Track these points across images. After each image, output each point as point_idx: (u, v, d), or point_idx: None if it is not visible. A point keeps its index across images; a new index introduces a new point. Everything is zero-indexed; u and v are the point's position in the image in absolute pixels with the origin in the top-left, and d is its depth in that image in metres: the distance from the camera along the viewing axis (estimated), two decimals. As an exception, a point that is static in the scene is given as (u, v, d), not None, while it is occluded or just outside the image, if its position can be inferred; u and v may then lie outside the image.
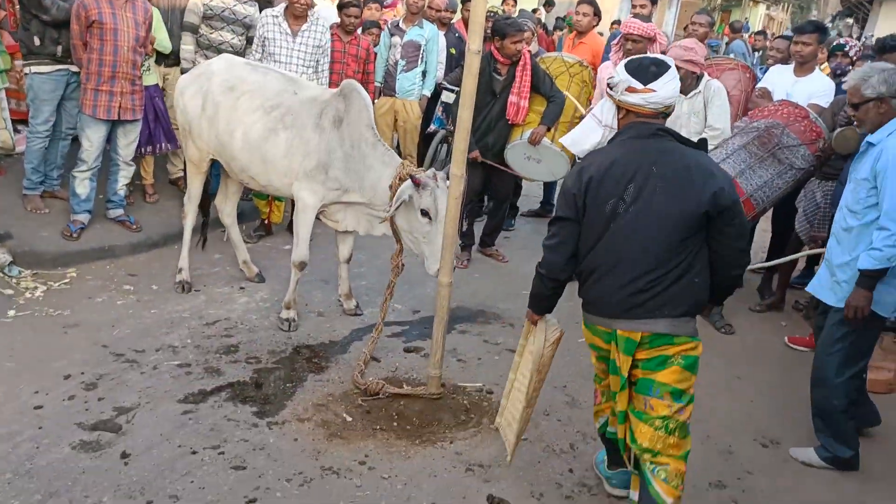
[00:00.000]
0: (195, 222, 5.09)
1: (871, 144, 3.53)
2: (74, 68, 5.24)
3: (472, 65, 3.52)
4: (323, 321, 4.83)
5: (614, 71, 2.94)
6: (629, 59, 2.92)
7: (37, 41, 5.12)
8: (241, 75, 4.66)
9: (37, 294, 4.74)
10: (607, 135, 3.26)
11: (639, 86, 2.79)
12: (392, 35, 6.68)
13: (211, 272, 5.34)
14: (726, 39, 11.83)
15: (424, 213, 4.14)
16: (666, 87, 2.80)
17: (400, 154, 7.08)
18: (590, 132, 4.34)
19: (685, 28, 7.65)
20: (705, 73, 5.03)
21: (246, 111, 4.53)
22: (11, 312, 4.48)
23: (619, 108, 2.89)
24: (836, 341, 3.64)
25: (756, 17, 37.30)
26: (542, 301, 3.08)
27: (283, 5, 5.71)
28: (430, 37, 6.70)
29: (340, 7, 6.29)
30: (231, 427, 3.61)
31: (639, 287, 2.77)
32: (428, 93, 6.84)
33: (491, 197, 6.32)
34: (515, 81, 5.61)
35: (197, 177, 4.94)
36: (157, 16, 5.56)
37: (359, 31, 6.43)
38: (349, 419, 3.77)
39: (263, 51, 5.67)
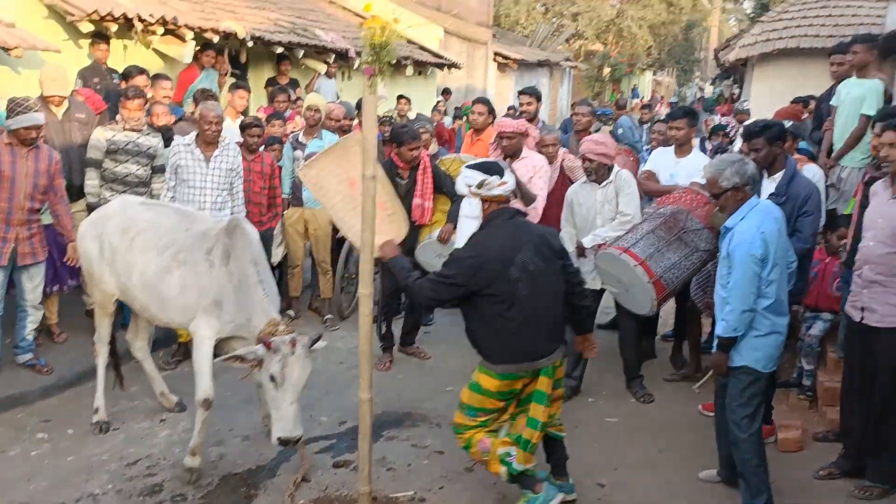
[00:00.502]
0: (107, 359, 5.01)
1: (727, 229, 3.94)
2: (-31, 218, 5.21)
3: (369, 189, 3.68)
4: (249, 445, 4.78)
5: (475, 175, 3.76)
6: (478, 163, 3.88)
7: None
8: (134, 215, 4.69)
9: (-55, 455, 4.56)
10: (475, 225, 3.84)
11: (498, 180, 3.71)
12: (294, 149, 6.85)
13: (129, 407, 5.23)
14: (612, 112, 12.58)
15: (273, 377, 3.94)
16: (511, 178, 3.81)
17: (314, 261, 7.22)
18: (467, 227, 4.65)
19: (573, 105, 8.15)
20: (615, 164, 5.39)
21: (140, 251, 4.53)
22: (-82, 479, 4.29)
23: (484, 201, 3.78)
24: (733, 399, 3.99)
25: (644, 84, 39.44)
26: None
27: (193, 134, 5.87)
28: (332, 147, 6.89)
29: (243, 128, 6.45)
30: (161, 576, 3.53)
31: (552, 330, 3.78)
32: (335, 200, 6.99)
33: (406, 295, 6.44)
34: (417, 184, 5.83)
35: (105, 319, 4.90)
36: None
37: (262, 147, 6.59)
38: (282, 550, 3.74)
39: (177, 178, 5.77)
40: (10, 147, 5.03)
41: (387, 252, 3.96)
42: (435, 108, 13.03)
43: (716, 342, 4.01)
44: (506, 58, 21.47)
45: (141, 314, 4.78)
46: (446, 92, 16.20)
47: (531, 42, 27.27)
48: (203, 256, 4.39)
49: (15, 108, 4.97)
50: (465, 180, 3.81)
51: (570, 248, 5.55)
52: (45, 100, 5.85)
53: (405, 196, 5.79)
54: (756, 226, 3.80)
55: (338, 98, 10.86)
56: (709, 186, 4.03)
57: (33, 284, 5.34)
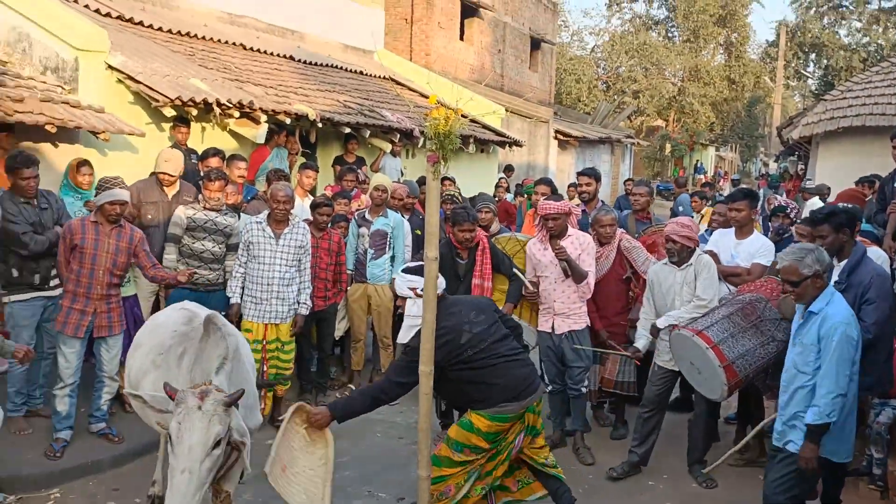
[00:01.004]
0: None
1: (812, 313, 3.94)
2: (52, 293, 5.54)
3: (431, 271, 3.81)
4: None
5: (418, 280, 4.20)
6: (414, 267, 4.35)
7: (15, 273, 5.40)
8: (153, 318, 4.80)
9: (20, 520, 4.73)
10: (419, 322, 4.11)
11: (442, 282, 4.20)
12: (360, 226, 7.08)
13: (194, 477, 5.36)
14: (673, 188, 12.58)
15: (170, 436, 3.30)
16: (442, 278, 4.23)
17: (374, 335, 7.36)
18: (415, 325, 4.67)
19: (625, 184, 8.16)
20: (698, 248, 5.46)
21: (135, 354, 4.50)
22: (-5, 543, 4.47)
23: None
24: (784, 476, 4.01)
25: (707, 159, 39.35)
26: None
27: (265, 212, 6.19)
28: (396, 224, 7.11)
29: (314, 206, 6.73)
30: None
31: (523, 369, 4.23)
32: (397, 276, 7.17)
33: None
34: (476, 264, 5.94)
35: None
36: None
37: (329, 225, 6.85)
38: None
39: (248, 254, 6.07)
40: (94, 225, 5.37)
41: (323, 421, 4.04)
42: (497, 185, 13.27)
43: (804, 431, 3.89)
44: (567, 135, 21.79)
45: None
46: (509, 169, 16.49)
47: (592, 119, 27.66)
48: (175, 361, 4.09)
49: (102, 185, 5.37)
50: (409, 284, 4.38)
51: (646, 327, 5.59)
52: (158, 179, 6.32)
53: (464, 276, 5.90)
54: (847, 309, 3.90)
55: (402, 175, 11.20)
56: (787, 274, 3.99)
57: (111, 355, 5.57)
